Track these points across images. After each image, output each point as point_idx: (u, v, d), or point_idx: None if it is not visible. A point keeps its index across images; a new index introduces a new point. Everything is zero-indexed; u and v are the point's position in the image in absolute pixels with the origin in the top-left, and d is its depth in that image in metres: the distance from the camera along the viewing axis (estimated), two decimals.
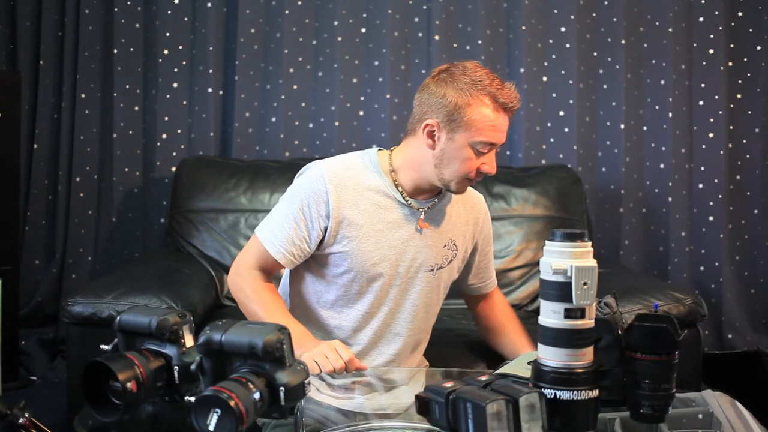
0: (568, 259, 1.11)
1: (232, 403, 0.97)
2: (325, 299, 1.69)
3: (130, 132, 3.09)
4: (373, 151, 1.71)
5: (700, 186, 3.10)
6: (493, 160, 1.62)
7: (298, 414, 1.18)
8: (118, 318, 1.19)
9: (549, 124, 3.11)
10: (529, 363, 1.18)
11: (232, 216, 2.74)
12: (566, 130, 3.09)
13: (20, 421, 1.05)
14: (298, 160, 2.96)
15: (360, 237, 1.64)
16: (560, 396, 1.10)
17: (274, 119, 3.10)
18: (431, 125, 1.60)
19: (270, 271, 1.69)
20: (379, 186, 1.66)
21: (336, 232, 1.63)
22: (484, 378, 1.13)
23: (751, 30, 3.11)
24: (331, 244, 1.64)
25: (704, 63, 3.08)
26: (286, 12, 3.06)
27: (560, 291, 1.11)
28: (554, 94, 3.10)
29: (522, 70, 3.06)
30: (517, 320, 1.86)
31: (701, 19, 3.08)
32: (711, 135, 3.09)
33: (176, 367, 1.15)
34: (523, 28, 3.06)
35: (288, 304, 1.74)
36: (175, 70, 3.07)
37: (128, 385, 1.09)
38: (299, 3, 3.08)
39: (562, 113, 3.09)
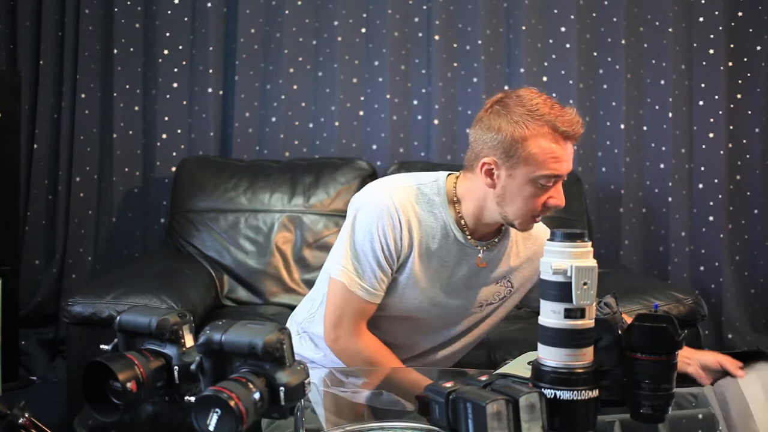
0: (568, 259, 1.11)
1: (232, 403, 0.97)
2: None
3: (130, 132, 3.09)
4: (442, 179, 1.61)
5: (700, 186, 3.10)
6: (560, 192, 1.51)
7: (298, 414, 1.18)
8: (118, 318, 1.19)
9: None
10: (529, 363, 1.18)
11: (232, 216, 2.74)
12: None
13: (20, 421, 1.05)
14: (298, 160, 2.96)
15: (422, 270, 1.59)
16: (560, 396, 1.10)
17: (274, 119, 3.10)
18: (488, 163, 1.50)
19: (368, 316, 1.61)
20: (444, 220, 1.58)
21: (403, 264, 1.58)
22: (484, 378, 1.13)
23: (751, 30, 3.11)
24: (396, 272, 1.60)
25: (704, 63, 3.08)
26: (286, 12, 3.06)
27: (560, 291, 1.11)
28: (554, 94, 3.10)
29: (522, 70, 3.06)
30: None
31: (701, 19, 3.08)
32: (711, 135, 3.09)
33: (176, 367, 1.15)
34: (523, 28, 3.06)
35: (313, 312, 1.72)
36: (175, 70, 3.07)
37: (128, 385, 1.09)
38: (299, 3, 3.08)
39: None
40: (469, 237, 1.59)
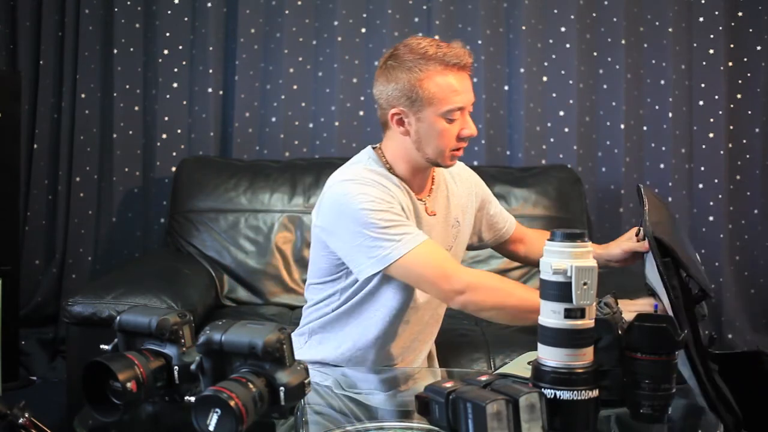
0: (568, 259, 1.11)
1: (232, 403, 0.97)
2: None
3: (130, 132, 3.09)
4: (372, 154, 1.67)
5: (700, 186, 3.10)
6: (470, 122, 1.59)
7: (298, 414, 1.18)
8: (118, 318, 1.19)
9: (549, 124, 3.11)
10: (529, 363, 1.18)
11: (232, 216, 2.74)
12: (566, 130, 3.09)
13: (20, 421, 1.05)
14: (298, 160, 2.96)
15: None
16: (560, 396, 1.10)
17: (274, 119, 3.10)
18: (397, 113, 1.59)
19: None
20: (392, 183, 1.63)
21: None
22: (484, 378, 1.13)
23: (751, 30, 3.11)
24: None
25: (704, 63, 3.08)
26: (286, 12, 3.06)
27: (560, 291, 1.11)
28: (554, 94, 3.10)
29: (522, 70, 3.06)
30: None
31: (701, 19, 3.08)
32: (711, 135, 3.09)
33: (176, 367, 1.15)
34: (523, 28, 3.06)
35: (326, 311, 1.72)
36: (175, 70, 3.07)
37: (128, 385, 1.09)
38: (299, 3, 3.08)
39: (562, 113, 3.09)
40: (411, 193, 1.65)
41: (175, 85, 3.08)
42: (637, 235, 1.63)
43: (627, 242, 1.66)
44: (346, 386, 1.58)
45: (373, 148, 1.70)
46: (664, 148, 3.09)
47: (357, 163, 1.67)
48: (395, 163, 1.65)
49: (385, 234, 1.52)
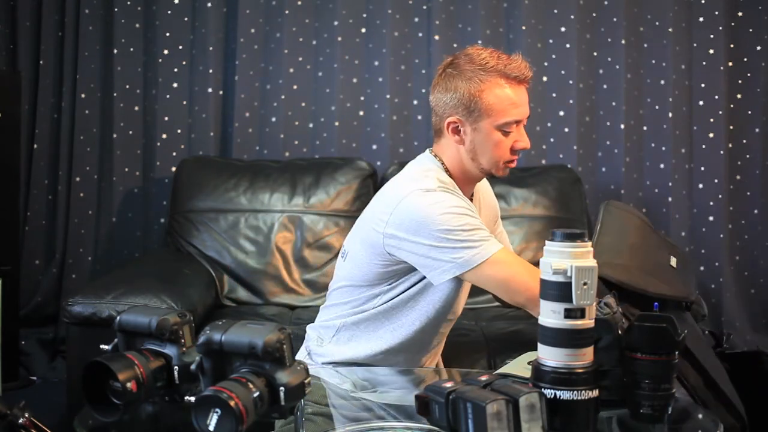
0: (568, 259, 1.11)
1: (232, 403, 0.97)
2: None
3: (130, 132, 3.09)
4: (433, 160, 1.65)
5: (700, 186, 3.10)
6: (524, 135, 1.61)
7: (298, 414, 1.18)
8: (118, 318, 1.19)
9: (549, 124, 3.11)
10: (529, 363, 1.18)
11: (232, 216, 2.75)
12: (566, 130, 3.09)
13: (20, 421, 1.05)
14: (298, 160, 2.96)
15: None
16: (560, 396, 1.10)
17: (274, 119, 3.10)
18: (453, 122, 1.59)
19: None
20: (457, 189, 1.63)
21: None
22: (484, 378, 1.13)
23: (751, 30, 3.11)
24: None
25: (704, 63, 3.08)
26: (286, 12, 3.06)
27: (560, 291, 1.11)
28: (554, 94, 3.10)
29: None
30: None
31: (701, 19, 3.08)
32: (711, 135, 3.09)
33: (176, 367, 1.15)
34: (523, 28, 3.06)
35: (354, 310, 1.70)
36: (175, 70, 3.08)
37: (128, 385, 1.09)
38: (299, 3, 3.08)
39: (562, 113, 3.09)
40: (466, 198, 1.65)
41: (175, 85, 3.08)
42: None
43: None
44: (361, 388, 1.58)
45: (432, 154, 1.67)
46: (664, 148, 3.09)
47: (428, 171, 1.63)
48: (452, 171, 1.65)
49: (469, 238, 1.51)
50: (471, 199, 1.69)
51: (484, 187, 1.80)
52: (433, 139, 1.69)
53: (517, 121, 1.58)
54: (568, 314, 1.11)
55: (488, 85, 1.55)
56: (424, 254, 1.54)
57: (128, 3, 3.06)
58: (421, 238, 1.53)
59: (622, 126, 3.08)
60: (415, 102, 3.10)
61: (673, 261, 1.35)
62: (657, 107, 3.10)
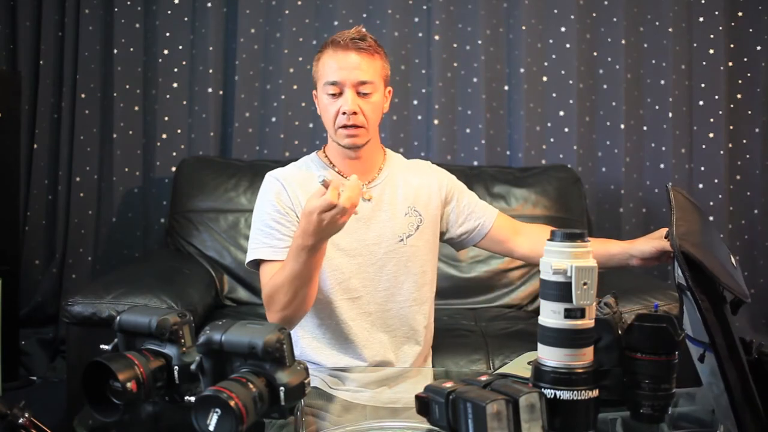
0: (568, 259, 1.11)
1: (232, 403, 0.97)
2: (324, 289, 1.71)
3: (130, 132, 3.09)
4: (318, 152, 1.82)
5: (700, 186, 3.10)
6: (347, 99, 1.64)
7: (298, 414, 1.18)
8: (118, 318, 1.19)
9: (549, 124, 3.11)
10: (529, 363, 1.18)
11: (232, 216, 2.74)
12: (566, 130, 3.09)
13: (20, 421, 1.05)
14: None
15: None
16: (560, 396, 1.10)
17: (274, 119, 3.10)
18: (314, 95, 1.74)
19: None
20: (316, 169, 1.76)
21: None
22: (484, 378, 1.12)
23: (751, 30, 3.11)
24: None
25: (704, 63, 3.08)
26: (286, 12, 3.06)
27: (560, 291, 1.11)
28: (554, 94, 3.10)
29: (522, 70, 3.06)
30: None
31: (701, 19, 3.08)
32: (711, 135, 3.09)
33: (176, 367, 1.15)
34: (523, 28, 3.06)
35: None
36: (175, 70, 3.08)
37: (128, 385, 1.09)
38: (299, 3, 3.08)
39: (562, 113, 3.09)
40: (338, 172, 1.74)
41: (175, 85, 3.08)
42: (666, 237, 1.57)
43: (659, 240, 1.62)
44: (333, 385, 1.58)
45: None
46: (664, 148, 3.09)
47: (308, 156, 1.88)
48: (328, 145, 1.81)
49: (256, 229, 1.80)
50: (377, 175, 1.75)
51: (413, 168, 1.83)
52: None
53: (334, 82, 1.64)
54: (568, 314, 1.11)
55: (320, 55, 1.69)
56: (475, 199, 1.89)
57: (128, 3, 3.06)
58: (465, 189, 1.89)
59: (622, 126, 3.08)
60: (415, 102, 3.10)
61: (733, 259, 1.34)
62: (657, 107, 3.11)
